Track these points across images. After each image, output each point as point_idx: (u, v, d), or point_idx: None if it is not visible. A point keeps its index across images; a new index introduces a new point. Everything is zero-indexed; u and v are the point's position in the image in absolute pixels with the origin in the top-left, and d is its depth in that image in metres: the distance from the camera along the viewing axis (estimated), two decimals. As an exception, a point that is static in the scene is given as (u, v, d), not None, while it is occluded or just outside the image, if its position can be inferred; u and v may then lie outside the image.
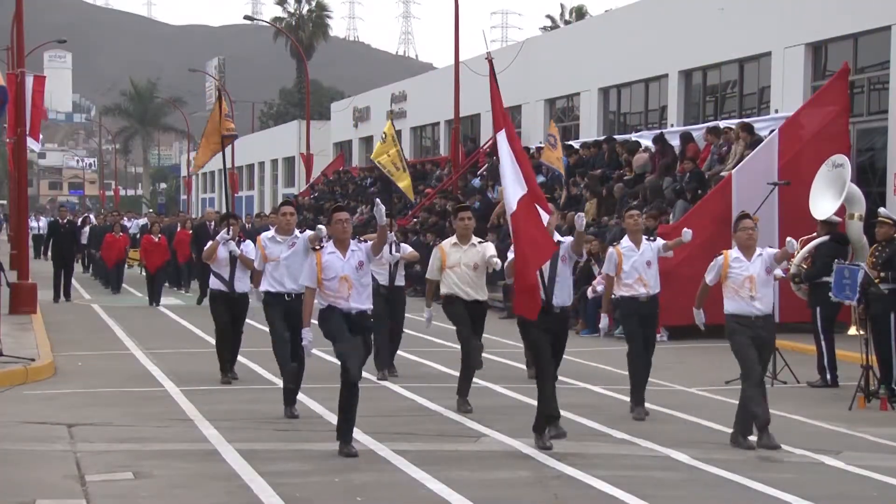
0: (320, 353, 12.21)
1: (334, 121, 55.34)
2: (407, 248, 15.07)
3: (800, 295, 15.28)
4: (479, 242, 12.63)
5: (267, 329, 12.36)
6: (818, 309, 14.59)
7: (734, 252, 10.59)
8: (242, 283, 14.09)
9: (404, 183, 16.67)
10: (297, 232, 12.15)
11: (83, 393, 13.43)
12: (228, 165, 65.80)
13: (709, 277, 10.69)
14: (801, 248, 15.37)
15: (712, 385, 14.07)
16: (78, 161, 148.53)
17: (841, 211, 16.31)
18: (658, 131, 26.27)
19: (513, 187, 9.90)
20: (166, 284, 29.02)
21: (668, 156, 24.01)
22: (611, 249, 12.36)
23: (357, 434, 10.51)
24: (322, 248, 9.92)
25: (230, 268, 14.08)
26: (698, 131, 24.65)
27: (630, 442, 10.63)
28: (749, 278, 10.41)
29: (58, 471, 9.23)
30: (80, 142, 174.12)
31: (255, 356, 15.51)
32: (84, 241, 34.16)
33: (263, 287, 12.12)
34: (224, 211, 23.30)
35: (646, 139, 26.50)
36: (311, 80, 63.43)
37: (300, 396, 12.22)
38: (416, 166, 40.78)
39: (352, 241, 9.94)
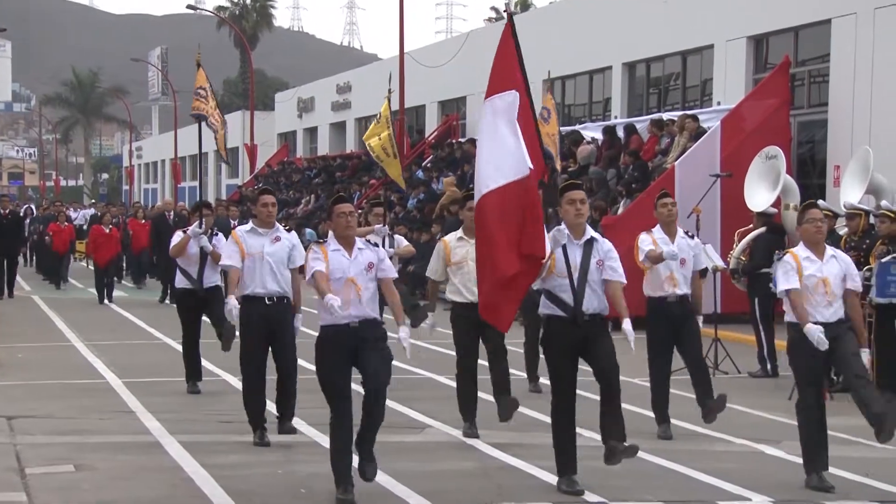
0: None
1: (278, 111, 55.10)
2: (402, 242, 13.72)
3: (739, 287, 15.42)
4: None
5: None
6: (757, 300, 14.78)
7: (801, 250, 8.85)
8: (211, 279, 12.84)
9: (394, 171, 15.23)
10: (278, 226, 10.48)
11: (23, 385, 13.27)
12: (171, 156, 64.04)
13: (792, 284, 8.71)
14: (739, 241, 15.55)
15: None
16: (18, 151, 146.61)
17: (777, 202, 16.51)
18: (604, 123, 26.42)
19: (523, 158, 8.04)
20: (122, 281, 28.08)
21: (616, 147, 24.14)
22: (643, 235, 10.81)
23: (300, 425, 10.50)
24: (324, 241, 8.47)
25: (199, 263, 12.72)
26: (641, 123, 24.81)
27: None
28: (823, 281, 8.71)
29: (-3, 464, 9.12)
30: (20, 131, 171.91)
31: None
32: (26, 233, 33.23)
33: (242, 289, 10.20)
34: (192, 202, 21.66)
35: (590, 131, 26.63)
36: (255, 70, 63.10)
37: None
38: (360, 157, 40.71)
39: (358, 240, 8.44)
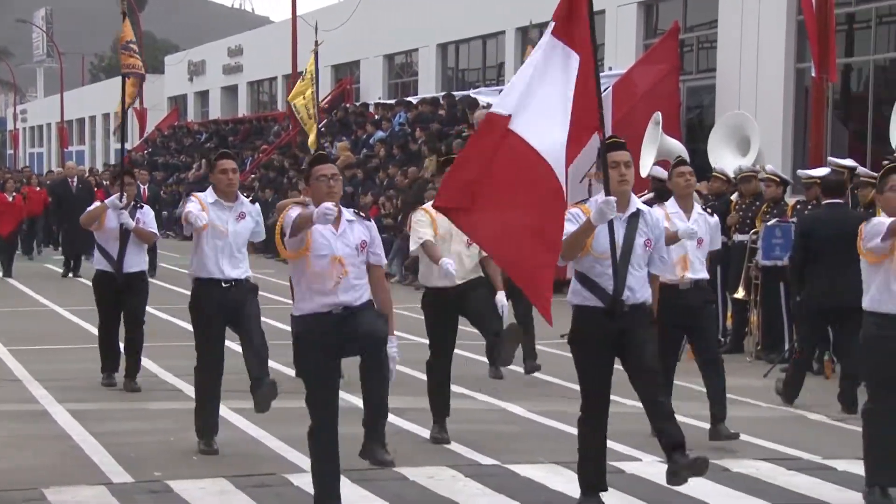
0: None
1: (168, 74, 54.24)
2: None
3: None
4: None
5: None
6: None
7: (886, 221, 7.08)
8: (135, 262, 10.98)
9: (311, 137, 14.14)
10: (242, 198, 8.84)
11: None
12: (57, 119, 62.50)
13: (879, 240, 7.01)
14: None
15: (548, 339, 14.28)
16: None
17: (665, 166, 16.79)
18: (500, 87, 26.50)
19: (561, 157, 6.61)
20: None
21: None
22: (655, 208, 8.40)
23: (193, 393, 10.31)
24: (307, 205, 6.92)
25: (119, 241, 10.85)
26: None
27: (468, 396, 10.74)
28: None
29: None
30: None
31: (83, 314, 15.08)
32: None
33: (193, 271, 8.71)
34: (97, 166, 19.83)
35: (484, 95, 26.68)
36: (144, 32, 61.89)
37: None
38: (252, 122, 40.27)
39: (346, 211, 6.91)
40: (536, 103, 6.61)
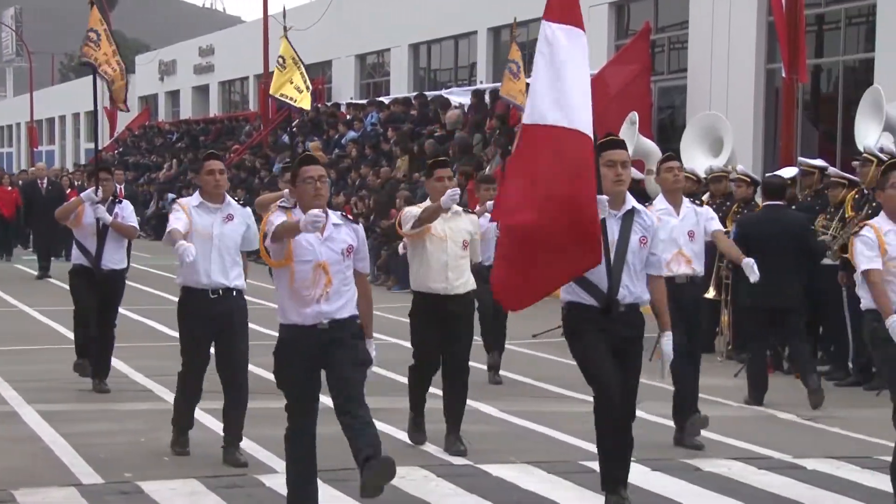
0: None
1: (139, 74, 53.96)
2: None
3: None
4: (465, 211, 8.81)
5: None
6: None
7: (883, 222, 7.03)
8: (114, 258, 10.78)
9: (306, 106, 14.58)
10: (230, 199, 8.44)
11: None
12: (27, 119, 61.96)
13: (874, 264, 6.89)
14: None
15: (521, 339, 14.30)
16: None
17: (641, 167, 16.83)
18: (472, 87, 26.52)
19: (585, 108, 6.75)
20: None
21: (482, 112, 24.25)
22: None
23: (163, 394, 10.31)
24: (291, 208, 6.67)
25: (97, 237, 10.66)
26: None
27: (438, 395, 10.71)
28: None
29: None
30: None
31: (54, 314, 15.00)
32: None
33: (179, 279, 8.29)
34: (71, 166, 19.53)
35: (456, 96, 26.70)
36: (115, 31, 61.57)
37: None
38: (223, 122, 40.14)
39: (332, 213, 6.64)
40: (550, 90, 6.75)
